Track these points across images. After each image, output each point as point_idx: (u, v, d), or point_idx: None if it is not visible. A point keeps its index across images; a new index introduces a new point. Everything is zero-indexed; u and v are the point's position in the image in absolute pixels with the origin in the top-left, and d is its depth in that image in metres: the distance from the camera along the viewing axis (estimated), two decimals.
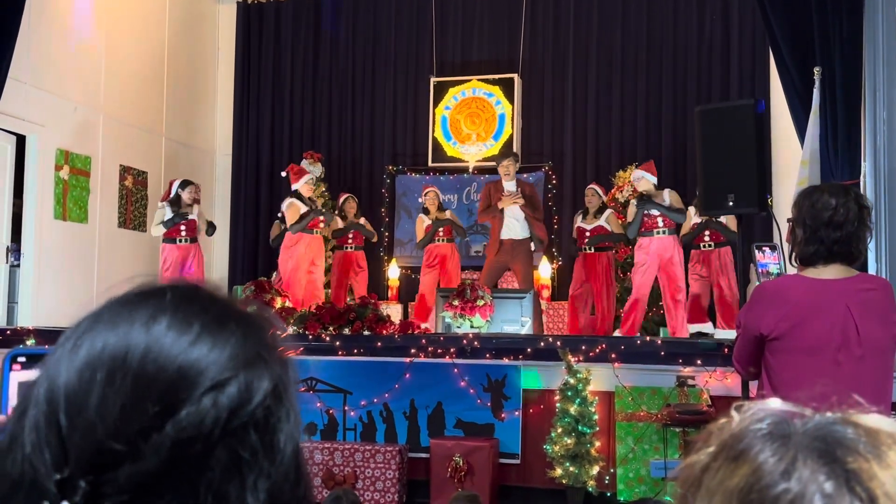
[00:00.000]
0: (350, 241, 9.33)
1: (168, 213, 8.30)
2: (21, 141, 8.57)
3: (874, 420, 0.63)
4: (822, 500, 0.57)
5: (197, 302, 0.71)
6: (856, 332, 2.75)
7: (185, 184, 8.48)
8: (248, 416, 0.67)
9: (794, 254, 2.89)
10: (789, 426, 0.62)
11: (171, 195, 8.47)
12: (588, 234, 8.32)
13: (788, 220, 2.92)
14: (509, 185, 8.28)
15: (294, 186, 8.70)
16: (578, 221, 8.51)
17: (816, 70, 6.11)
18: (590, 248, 8.32)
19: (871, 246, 5.82)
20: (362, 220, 9.51)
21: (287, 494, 0.69)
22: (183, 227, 8.34)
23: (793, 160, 7.09)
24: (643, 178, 7.99)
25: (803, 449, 0.60)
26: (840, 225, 2.75)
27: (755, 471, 0.60)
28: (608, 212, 8.37)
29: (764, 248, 3.47)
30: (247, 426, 0.67)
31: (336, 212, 9.39)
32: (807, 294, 2.80)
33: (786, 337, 2.79)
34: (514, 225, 8.23)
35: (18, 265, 8.64)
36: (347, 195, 9.60)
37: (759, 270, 3.45)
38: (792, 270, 3.01)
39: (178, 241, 8.30)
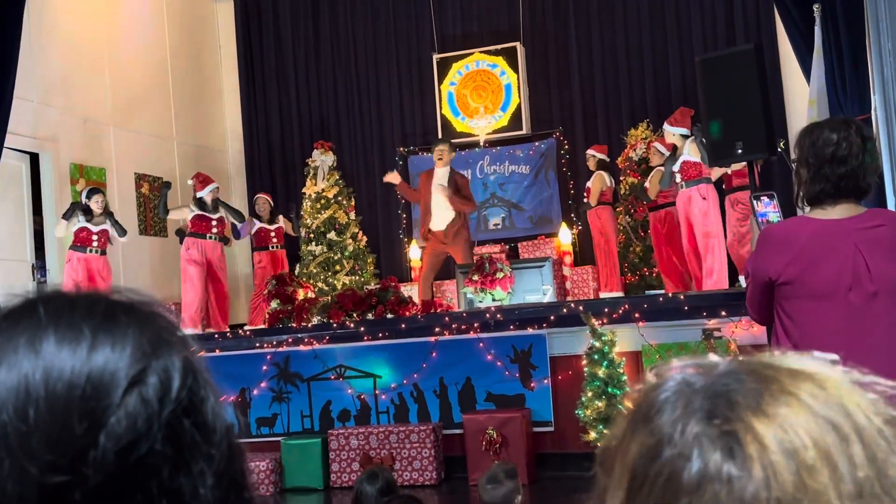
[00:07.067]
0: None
1: (82, 221, 7.98)
2: (35, 159, 8.66)
3: (779, 361, 0.58)
4: (699, 461, 0.54)
5: (76, 307, 0.66)
6: (866, 269, 2.71)
7: (91, 192, 8.14)
8: (176, 403, 0.64)
9: (800, 194, 2.83)
10: (687, 385, 0.58)
11: (83, 203, 8.19)
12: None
13: (792, 161, 2.87)
14: (442, 172, 8.08)
15: (199, 194, 8.60)
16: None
17: (816, 7, 5.99)
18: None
19: (888, 178, 5.71)
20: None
21: (229, 471, 0.67)
22: (95, 237, 7.96)
23: (805, 102, 6.97)
24: (668, 132, 7.49)
25: (691, 409, 0.56)
26: (844, 159, 2.68)
27: (646, 439, 0.56)
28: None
29: (762, 198, 3.43)
30: (177, 412, 0.64)
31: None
32: (814, 237, 2.75)
33: (795, 282, 2.75)
34: (441, 214, 8.02)
35: (45, 281, 8.76)
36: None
37: (760, 220, 3.40)
38: (800, 213, 2.96)
39: (87, 251, 7.95)
